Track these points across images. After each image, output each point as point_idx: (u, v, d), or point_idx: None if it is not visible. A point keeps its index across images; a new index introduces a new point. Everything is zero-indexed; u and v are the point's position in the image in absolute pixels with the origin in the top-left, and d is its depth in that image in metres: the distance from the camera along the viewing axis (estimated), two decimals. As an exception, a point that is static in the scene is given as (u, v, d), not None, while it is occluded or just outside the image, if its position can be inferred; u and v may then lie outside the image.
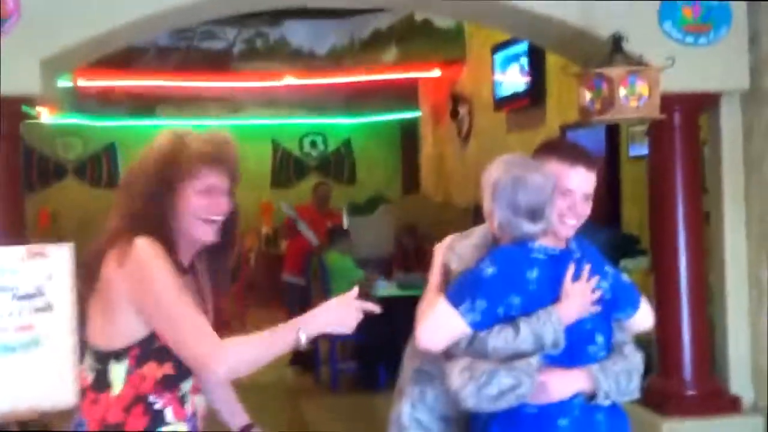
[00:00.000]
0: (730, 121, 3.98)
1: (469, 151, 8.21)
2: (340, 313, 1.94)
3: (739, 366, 3.89)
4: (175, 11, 3.72)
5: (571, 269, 2.27)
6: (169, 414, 1.94)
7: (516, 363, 2.22)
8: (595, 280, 2.27)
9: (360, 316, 1.95)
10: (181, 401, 1.95)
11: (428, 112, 9.62)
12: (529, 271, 2.24)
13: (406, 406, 2.58)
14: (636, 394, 2.31)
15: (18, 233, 3.53)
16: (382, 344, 6.20)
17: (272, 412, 5.94)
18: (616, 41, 3.61)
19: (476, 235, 2.48)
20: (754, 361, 3.88)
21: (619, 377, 2.29)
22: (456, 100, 8.43)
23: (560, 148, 2.48)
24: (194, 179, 1.95)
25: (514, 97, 7.11)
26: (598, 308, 2.28)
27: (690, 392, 3.79)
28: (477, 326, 2.25)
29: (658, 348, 3.84)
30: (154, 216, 1.93)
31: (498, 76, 7.33)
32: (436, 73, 8.93)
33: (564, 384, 2.27)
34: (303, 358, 7.07)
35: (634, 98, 3.42)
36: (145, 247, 1.89)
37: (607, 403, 2.31)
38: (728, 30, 3.82)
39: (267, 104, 10.48)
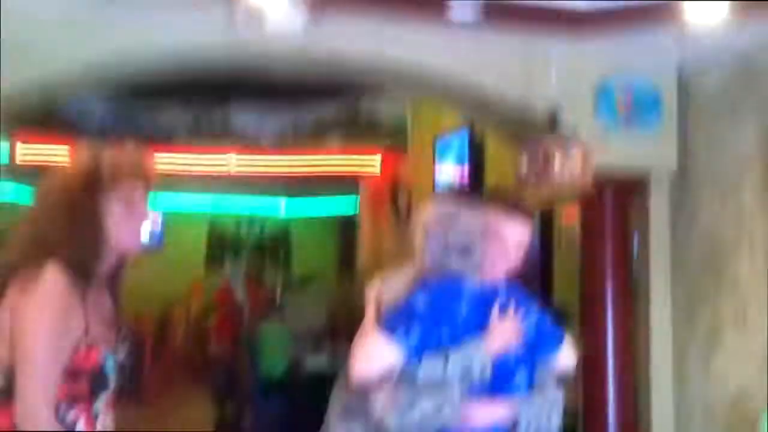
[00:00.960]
0: (658, 201, 4.15)
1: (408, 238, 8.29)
2: None
3: (663, 438, 3.95)
4: (124, 60, 3.76)
5: (497, 304, 2.32)
6: (79, 426, 1.92)
7: (437, 389, 2.24)
8: (520, 314, 2.33)
9: None
10: (95, 414, 1.94)
11: (369, 198, 9.75)
12: (458, 302, 2.29)
13: None
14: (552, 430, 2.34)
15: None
16: (311, 418, 6.07)
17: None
18: (554, 116, 3.80)
19: (405, 272, 2.52)
20: (677, 431, 3.94)
21: (541, 411, 2.32)
22: (396, 188, 8.58)
23: (497, 196, 2.60)
24: (116, 189, 2.00)
25: (454, 185, 7.27)
26: (520, 343, 2.32)
27: (615, 462, 3.81)
28: (410, 355, 2.27)
29: (584, 417, 3.88)
30: (79, 231, 1.95)
31: (438, 165, 7.51)
32: (377, 160, 9.12)
33: (487, 412, 2.28)
34: (226, 429, 6.88)
35: (568, 171, 3.56)
36: (50, 279, 1.88)
37: None
38: (659, 117, 4.04)
39: (206, 185, 10.50)
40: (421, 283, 2.37)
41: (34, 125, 7.61)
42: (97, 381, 1.93)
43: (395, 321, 2.29)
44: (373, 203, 9.57)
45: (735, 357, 3.68)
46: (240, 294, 7.20)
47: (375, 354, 2.28)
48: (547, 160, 3.54)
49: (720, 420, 3.73)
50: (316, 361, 6.55)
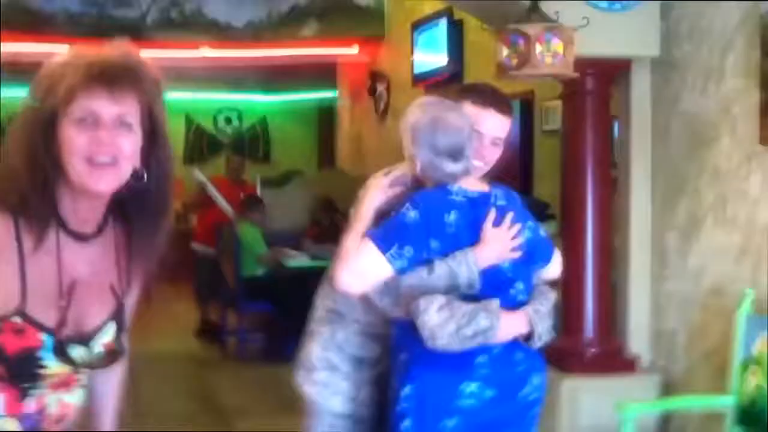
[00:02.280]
0: (640, 89, 4.06)
1: (387, 128, 8.20)
2: None
3: (639, 327, 3.99)
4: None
5: (492, 214, 2.27)
6: None
7: (487, 305, 2.20)
8: (516, 227, 2.28)
9: None
10: (21, 395, 1.53)
11: (347, 89, 9.57)
12: (447, 214, 2.23)
13: (315, 346, 2.53)
14: (552, 334, 2.36)
15: None
16: (293, 316, 6.12)
17: (177, 382, 5.82)
18: (534, 4, 3.65)
19: (398, 173, 2.44)
20: (653, 323, 3.98)
21: (546, 318, 2.34)
22: (374, 77, 8.40)
23: (475, 90, 2.48)
24: (70, 106, 1.44)
25: (432, 73, 7.12)
26: (516, 254, 2.29)
27: (590, 351, 3.86)
28: (402, 272, 2.23)
29: (563, 308, 3.90)
30: (27, 167, 1.45)
31: (417, 53, 7.34)
32: (354, 50, 8.88)
33: (509, 326, 2.27)
34: (210, 330, 6.94)
35: (549, 55, 3.45)
36: None
37: (540, 344, 2.35)
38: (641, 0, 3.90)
39: (181, 78, 10.22)
40: (412, 193, 2.31)
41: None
42: (22, 368, 1.50)
43: (389, 236, 2.23)
44: (351, 95, 9.40)
45: (712, 250, 3.66)
46: (220, 192, 7.10)
47: (366, 269, 2.24)
48: (528, 47, 3.41)
49: (696, 314, 3.75)
50: (297, 261, 6.56)
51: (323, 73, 9.91)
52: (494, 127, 2.39)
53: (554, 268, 2.50)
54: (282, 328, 6.29)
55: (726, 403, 3.30)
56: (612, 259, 4.02)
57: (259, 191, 7.73)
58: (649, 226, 4.03)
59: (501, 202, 2.33)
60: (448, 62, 6.81)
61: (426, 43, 7.28)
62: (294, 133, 11.20)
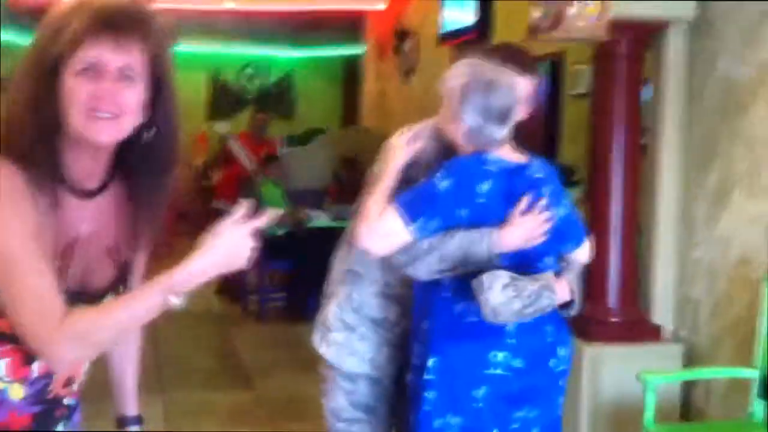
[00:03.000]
0: (675, 52, 3.94)
1: (412, 86, 8.10)
2: (230, 246, 1.43)
3: (663, 297, 3.92)
4: None
5: (524, 200, 2.21)
6: (1, 368, 1.47)
7: (548, 282, 2.19)
8: (546, 214, 2.22)
9: (251, 243, 1.45)
10: (26, 358, 1.48)
11: (373, 46, 9.45)
12: (480, 183, 2.18)
13: (332, 307, 2.52)
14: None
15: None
16: (313, 275, 6.10)
17: (199, 340, 5.86)
18: (567, -40, 3.53)
19: (425, 129, 2.39)
20: (678, 292, 3.92)
21: (578, 288, 2.34)
22: (400, 35, 8.28)
23: (504, 52, 2.42)
24: (74, 54, 1.39)
25: (460, 32, 6.99)
26: (543, 239, 2.24)
27: (613, 319, 3.80)
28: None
29: (587, 275, 3.84)
30: (29, 118, 1.40)
31: (445, 11, 7.21)
32: (381, 5, 8.76)
33: (558, 297, 2.26)
34: (231, 288, 6.97)
35: (583, 17, 3.35)
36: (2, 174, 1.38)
37: (574, 313, 2.34)
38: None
39: (205, 31, 10.15)
40: (446, 161, 2.24)
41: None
42: None
43: (417, 207, 2.19)
44: (377, 51, 9.28)
45: (742, 219, 3.57)
46: (244, 148, 7.07)
47: (389, 235, 2.20)
48: (562, 8, 3.31)
49: (721, 284, 3.68)
50: (317, 220, 6.53)
51: (350, 28, 9.79)
52: (525, 89, 2.37)
53: (584, 252, 2.45)
54: (303, 287, 6.30)
55: (751, 375, 3.25)
56: (638, 226, 3.94)
57: (283, 148, 7.70)
58: (678, 193, 3.94)
59: (538, 175, 2.28)
60: (477, 21, 6.68)
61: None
62: (319, 89, 11.10)
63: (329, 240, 3.89)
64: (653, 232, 3.97)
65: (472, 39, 6.80)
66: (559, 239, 2.31)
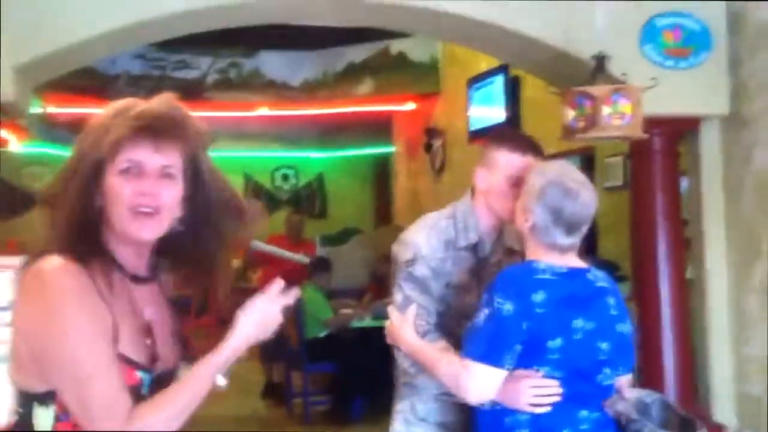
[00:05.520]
0: (710, 147, 3.97)
1: (443, 183, 8.18)
2: (259, 319, 1.58)
3: (722, 394, 3.83)
4: (153, 23, 3.65)
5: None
6: None
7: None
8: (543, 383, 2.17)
9: (281, 312, 1.60)
10: None
11: (402, 145, 9.60)
12: (535, 293, 2.13)
13: (399, 424, 2.48)
14: None
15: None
16: (357, 375, 6.08)
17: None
18: (600, 61, 3.61)
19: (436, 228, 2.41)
20: (737, 388, 3.83)
21: None
22: (430, 133, 8.42)
23: (509, 137, 2.48)
24: (116, 156, 1.49)
25: (489, 129, 7.10)
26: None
27: (674, 419, 3.70)
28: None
29: (641, 375, 3.77)
30: (77, 218, 1.49)
31: (473, 109, 7.34)
32: (410, 106, 8.94)
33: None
34: (276, 391, 6.90)
35: (617, 117, 3.40)
36: (52, 269, 1.44)
37: None
38: (709, 54, 3.83)
39: (239, 136, 10.40)
40: (496, 281, 2.19)
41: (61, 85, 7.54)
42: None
43: (495, 345, 2.14)
44: (407, 150, 9.43)
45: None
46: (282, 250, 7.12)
47: (487, 384, 2.15)
48: (595, 109, 3.37)
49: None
50: (360, 321, 6.49)
51: (378, 129, 9.96)
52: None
53: (627, 381, 2.32)
54: (347, 389, 6.23)
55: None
56: (690, 321, 3.89)
57: (318, 250, 7.74)
58: (726, 286, 3.90)
59: (602, 284, 2.23)
60: (506, 118, 6.79)
61: (482, 98, 7.27)
62: (350, 189, 11.24)
63: (371, 340, 3.87)
64: (705, 328, 3.91)
65: (502, 135, 6.89)
66: (622, 355, 2.25)
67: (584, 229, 2.21)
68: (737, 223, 3.87)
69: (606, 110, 3.38)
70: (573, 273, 2.21)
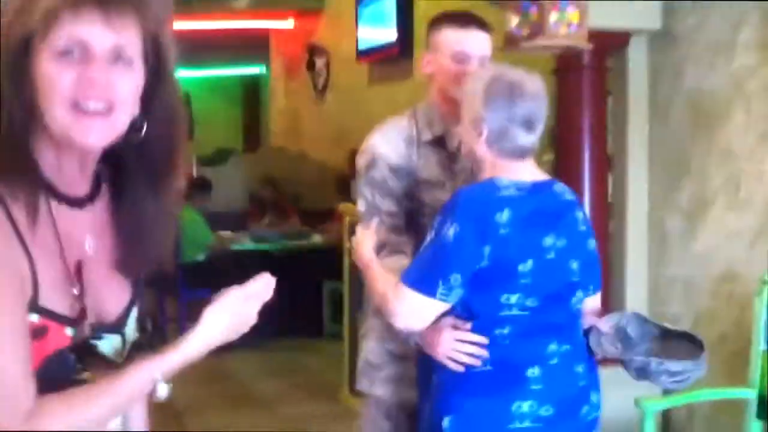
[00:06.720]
0: (638, 64, 3.86)
1: (327, 104, 7.84)
2: (229, 321, 1.22)
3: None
4: None
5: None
6: None
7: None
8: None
9: (255, 315, 1.24)
10: None
11: (280, 64, 9.15)
12: (499, 213, 1.92)
13: (371, 343, 2.25)
14: None
15: None
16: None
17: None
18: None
19: (398, 132, 2.23)
20: (651, 308, 3.80)
21: None
22: (313, 50, 8.02)
23: (448, 15, 2.30)
24: (50, 32, 1.08)
25: (379, 48, 6.80)
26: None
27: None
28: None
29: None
30: None
31: (362, 28, 7.00)
32: (290, 23, 8.49)
33: None
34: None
35: (564, 25, 3.18)
36: None
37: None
38: (643, -32, 3.69)
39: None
40: (450, 200, 1.99)
41: None
42: (57, 379, 1.12)
43: (430, 273, 1.93)
44: (285, 70, 8.98)
45: (723, 233, 3.49)
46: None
47: (417, 312, 1.97)
48: (542, 16, 3.13)
49: (703, 300, 3.58)
50: (239, 243, 6.17)
51: (250, 48, 9.45)
52: (481, 46, 2.22)
53: (596, 301, 2.17)
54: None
55: (747, 395, 3.14)
56: (608, 241, 3.81)
57: (195, 170, 7.26)
58: (647, 205, 3.85)
59: (569, 197, 2.08)
60: (397, 37, 6.51)
61: (372, 16, 6.94)
62: (219, 110, 10.70)
63: (251, 264, 3.59)
64: (623, 248, 3.85)
65: (392, 55, 6.62)
66: (591, 274, 2.10)
67: (541, 126, 2.04)
68: (663, 142, 3.80)
69: (554, 17, 3.16)
70: (538, 186, 2.02)
